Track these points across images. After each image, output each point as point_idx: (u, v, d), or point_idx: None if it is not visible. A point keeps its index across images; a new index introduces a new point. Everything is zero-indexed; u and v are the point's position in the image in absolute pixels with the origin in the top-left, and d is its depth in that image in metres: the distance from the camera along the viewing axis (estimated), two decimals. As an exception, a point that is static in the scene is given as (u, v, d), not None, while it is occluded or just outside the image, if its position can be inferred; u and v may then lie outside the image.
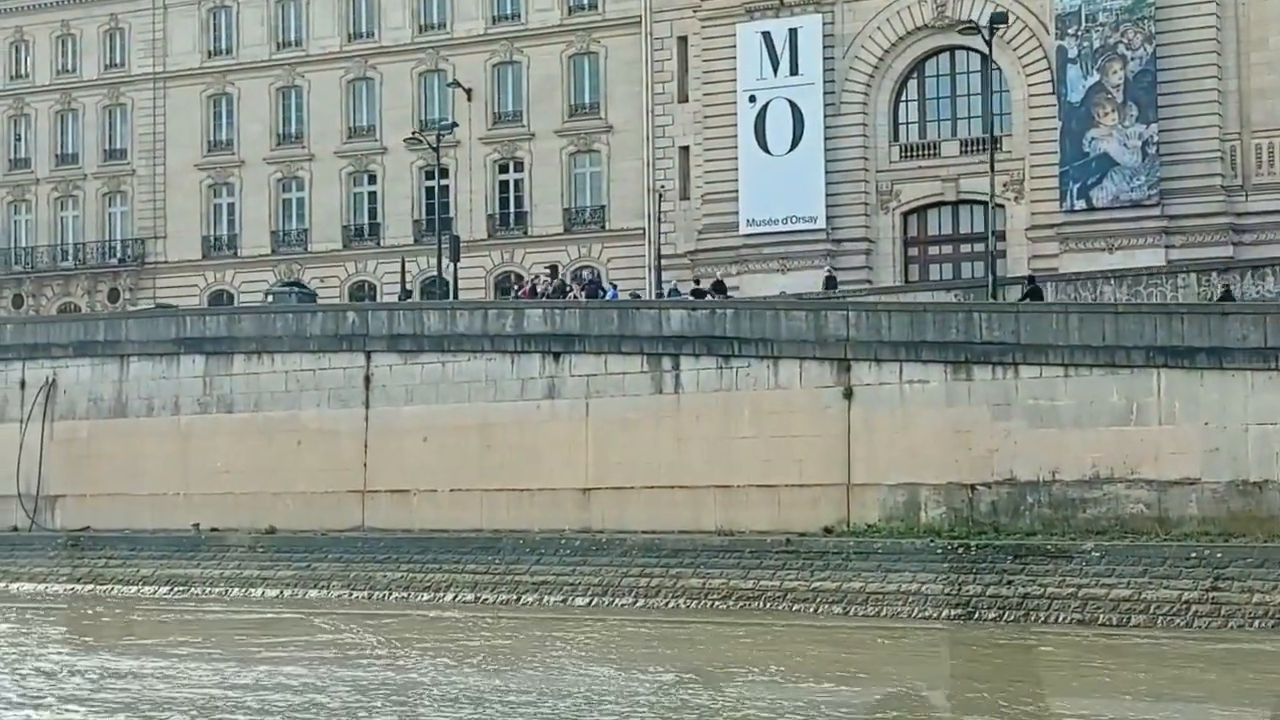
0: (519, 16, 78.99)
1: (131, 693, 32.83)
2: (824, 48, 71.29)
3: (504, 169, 78.98)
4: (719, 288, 56.19)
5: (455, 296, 67.62)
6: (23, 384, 58.39)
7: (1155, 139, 66.11)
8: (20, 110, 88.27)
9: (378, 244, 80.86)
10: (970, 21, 68.74)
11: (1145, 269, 59.07)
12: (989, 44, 54.64)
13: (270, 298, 62.88)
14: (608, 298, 56.32)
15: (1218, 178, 66.13)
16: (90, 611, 49.09)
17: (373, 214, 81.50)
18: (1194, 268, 57.41)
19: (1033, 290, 51.84)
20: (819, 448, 45.95)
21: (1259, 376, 40.88)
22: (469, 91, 78.24)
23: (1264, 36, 66.29)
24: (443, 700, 31.34)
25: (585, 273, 70.31)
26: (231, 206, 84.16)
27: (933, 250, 71.91)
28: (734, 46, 72.90)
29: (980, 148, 70.16)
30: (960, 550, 41.65)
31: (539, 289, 58.54)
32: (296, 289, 64.73)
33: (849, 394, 45.75)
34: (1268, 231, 65.37)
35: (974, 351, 44.19)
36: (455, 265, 67.73)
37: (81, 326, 59.74)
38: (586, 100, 77.84)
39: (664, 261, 73.92)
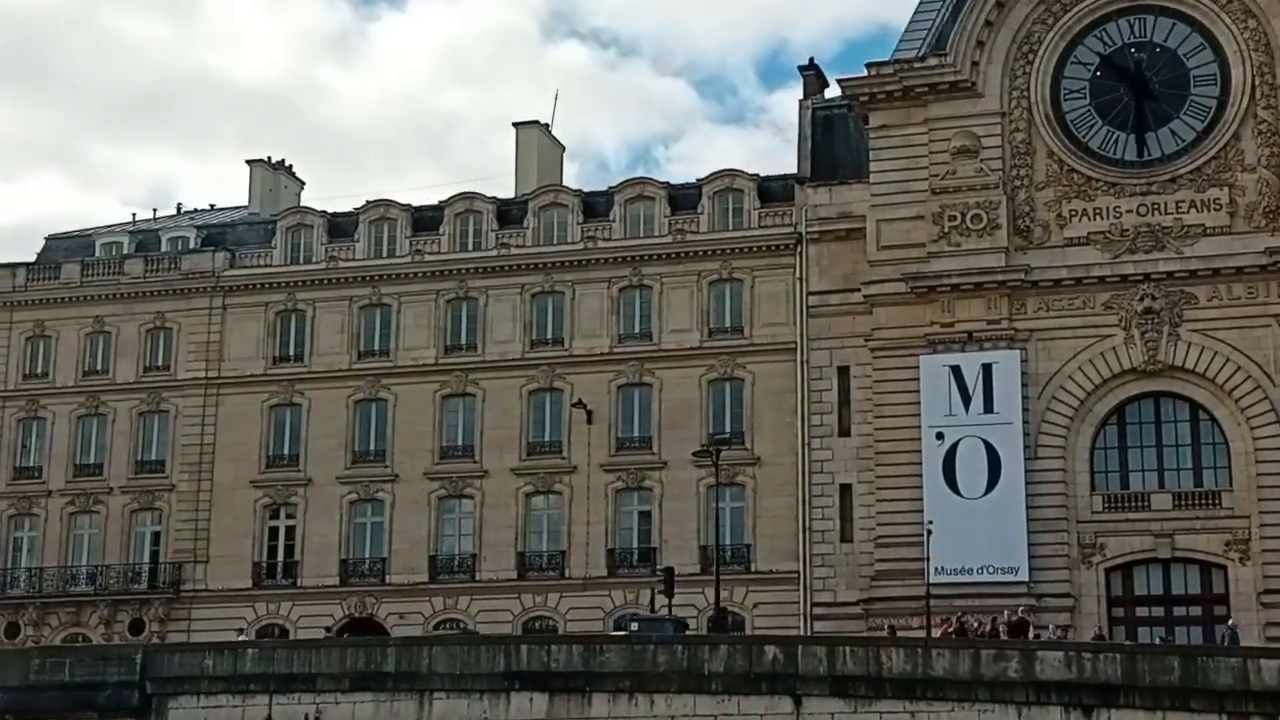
0: (650, 336, 66.27)
1: None
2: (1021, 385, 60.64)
3: (627, 500, 65.20)
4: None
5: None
6: (271, 724, 41.46)
7: None
8: (34, 413, 70.82)
9: (472, 577, 65.53)
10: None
11: None
12: None
13: (635, 626, 47.02)
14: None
15: None
16: None
17: (466, 543, 66.29)
18: None
19: None
20: None
21: None
22: (590, 413, 64.91)
23: None
24: None
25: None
26: (291, 529, 67.76)
27: (1140, 611, 60.36)
28: (914, 380, 61.37)
29: (1193, 502, 60.18)
30: None
31: (966, 629, 44.79)
32: (669, 620, 48.93)
33: None
34: None
35: None
36: (670, 600, 53.45)
37: (362, 653, 42.85)
38: (728, 428, 64.81)
39: (820, 610, 61.13)
